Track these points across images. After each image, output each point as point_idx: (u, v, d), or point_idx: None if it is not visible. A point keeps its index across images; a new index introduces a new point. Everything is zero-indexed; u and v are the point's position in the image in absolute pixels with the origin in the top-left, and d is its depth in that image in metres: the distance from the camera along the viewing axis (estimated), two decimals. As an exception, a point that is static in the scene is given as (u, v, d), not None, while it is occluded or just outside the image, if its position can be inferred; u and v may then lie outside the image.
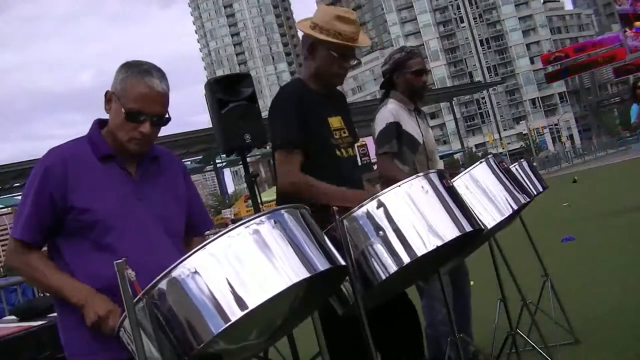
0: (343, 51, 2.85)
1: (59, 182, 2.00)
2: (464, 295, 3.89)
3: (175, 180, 2.24)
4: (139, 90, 2.02)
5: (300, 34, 3.05)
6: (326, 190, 2.75)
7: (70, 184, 2.00)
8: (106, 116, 2.14)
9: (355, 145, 3.11)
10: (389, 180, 3.42)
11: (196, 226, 2.29)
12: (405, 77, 3.70)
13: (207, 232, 2.46)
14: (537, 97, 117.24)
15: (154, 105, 2.04)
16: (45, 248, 2.12)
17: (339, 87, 3.21)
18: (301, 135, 2.82)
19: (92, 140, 2.11)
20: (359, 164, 3.28)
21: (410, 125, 3.67)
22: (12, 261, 2.09)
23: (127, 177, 2.10)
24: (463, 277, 3.93)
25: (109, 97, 2.09)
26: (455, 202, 2.23)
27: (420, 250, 2.08)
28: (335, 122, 2.96)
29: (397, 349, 2.89)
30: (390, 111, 3.64)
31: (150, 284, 1.57)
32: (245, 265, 1.56)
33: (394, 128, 3.60)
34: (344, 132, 2.99)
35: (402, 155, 3.62)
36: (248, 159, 4.51)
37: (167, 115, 2.09)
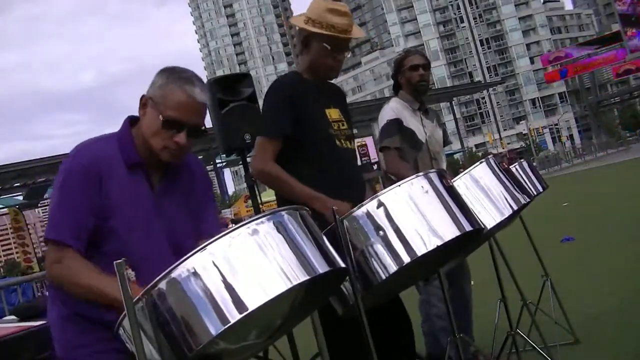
0: (336, 43, 2.87)
1: (95, 184, 1.93)
2: (465, 295, 3.89)
3: (194, 193, 2.15)
4: (180, 99, 1.95)
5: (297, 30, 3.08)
6: (293, 186, 2.77)
7: (102, 188, 1.94)
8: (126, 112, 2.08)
9: (354, 140, 3.13)
10: (394, 175, 3.45)
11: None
12: (405, 76, 3.80)
13: None
14: (537, 97, 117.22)
15: (193, 115, 1.97)
16: None
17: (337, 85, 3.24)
18: (284, 127, 2.85)
19: (122, 144, 2.03)
20: (358, 157, 3.31)
21: (412, 123, 3.71)
22: (54, 270, 1.93)
23: (150, 190, 2.03)
24: (464, 276, 3.93)
25: (144, 102, 2.02)
26: (455, 202, 2.23)
27: (420, 250, 2.08)
28: (333, 113, 2.98)
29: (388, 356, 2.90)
30: (392, 109, 3.73)
31: (150, 284, 1.57)
32: (245, 267, 1.56)
33: (395, 124, 3.66)
34: (343, 125, 3.00)
35: (403, 152, 3.64)
36: (248, 159, 4.50)
37: (203, 127, 2.02)
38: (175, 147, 1.98)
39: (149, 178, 2.04)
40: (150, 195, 2.03)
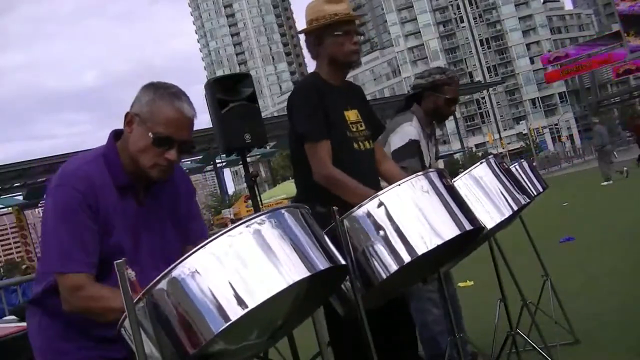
0: (346, 28, 2.91)
1: (94, 209, 1.90)
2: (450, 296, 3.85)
3: (178, 204, 2.13)
4: (169, 115, 1.91)
5: (302, 37, 3.07)
6: (356, 189, 2.70)
7: (99, 211, 1.91)
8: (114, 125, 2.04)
9: (372, 140, 3.08)
10: None
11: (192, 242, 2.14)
12: (436, 99, 3.67)
13: None
14: (537, 97, 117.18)
15: (183, 131, 1.93)
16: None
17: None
18: (326, 126, 2.85)
19: (109, 165, 1.98)
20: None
21: (423, 148, 3.66)
22: (74, 303, 1.88)
23: (139, 208, 2.02)
24: (446, 278, 3.89)
25: (129, 119, 1.96)
26: (455, 201, 2.23)
27: (420, 249, 2.08)
28: (351, 115, 3.00)
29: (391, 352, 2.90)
30: (416, 129, 3.61)
31: (151, 284, 1.57)
32: (245, 265, 1.56)
33: (416, 146, 3.57)
34: (361, 126, 3.02)
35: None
36: (248, 159, 4.51)
37: (192, 143, 1.99)
38: (165, 163, 1.94)
39: (137, 195, 2.02)
40: (140, 214, 2.01)
